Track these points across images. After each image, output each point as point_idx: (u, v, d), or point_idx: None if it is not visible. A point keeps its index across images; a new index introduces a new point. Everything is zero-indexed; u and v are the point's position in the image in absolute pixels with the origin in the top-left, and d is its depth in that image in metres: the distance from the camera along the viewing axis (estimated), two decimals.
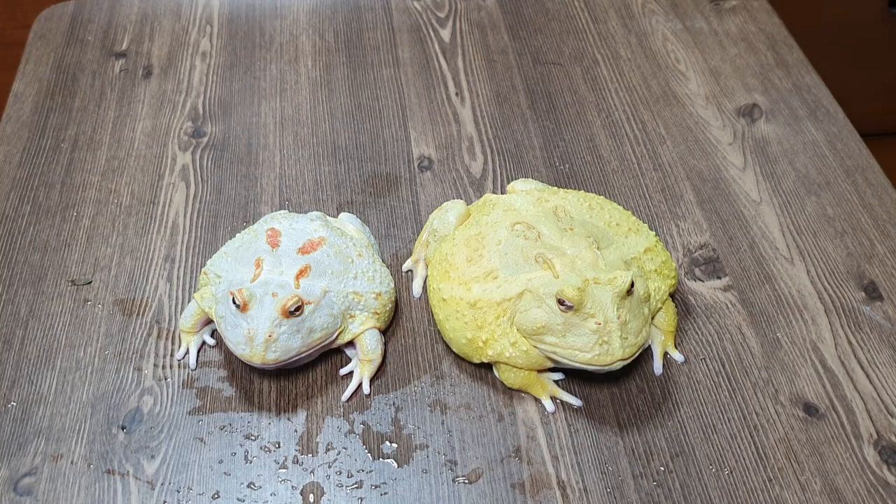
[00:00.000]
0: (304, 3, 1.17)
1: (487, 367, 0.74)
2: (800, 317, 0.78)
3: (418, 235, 0.83)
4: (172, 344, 0.77)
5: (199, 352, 0.76)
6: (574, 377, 0.74)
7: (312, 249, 0.74)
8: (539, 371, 0.72)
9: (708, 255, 0.83)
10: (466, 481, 0.68)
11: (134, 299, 0.81)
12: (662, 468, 0.68)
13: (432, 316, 0.78)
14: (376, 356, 0.74)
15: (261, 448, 0.70)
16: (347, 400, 0.73)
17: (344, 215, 0.84)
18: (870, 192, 0.89)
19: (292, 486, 0.68)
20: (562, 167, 0.93)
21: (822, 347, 0.75)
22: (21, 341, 0.78)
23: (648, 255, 0.75)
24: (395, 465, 0.69)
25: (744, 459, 0.68)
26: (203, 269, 0.78)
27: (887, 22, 1.63)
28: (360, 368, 0.74)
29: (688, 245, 0.84)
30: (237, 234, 0.80)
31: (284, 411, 0.72)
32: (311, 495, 0.67)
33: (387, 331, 0.77)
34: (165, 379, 0.75)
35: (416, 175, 0.93)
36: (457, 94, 1.03)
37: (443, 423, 0.71)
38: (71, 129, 1.00)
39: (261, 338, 0.68)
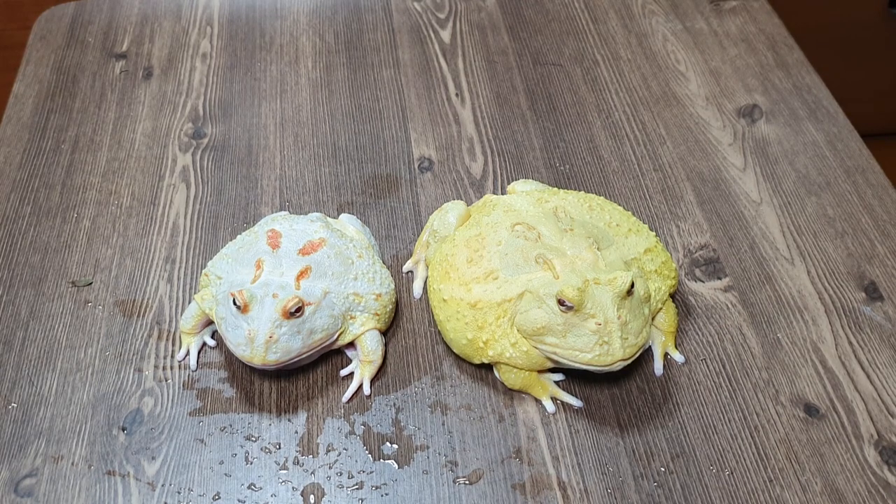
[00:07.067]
0: (304, 5, 1.17)
1: (488, 367, 0.74)
2: (800, 317, 0.78)
3: (418, 236, 0.83)
4: (173, 345, 0.77)
5: (199, 353, 0.76)
6: (574, 378, 0.74)
7: (313, 250, 0.74)
8: (539, 372, 0.72)
9: (708, 255, 0.83)
10: (467, 482, 0.68)
11: (134, 300, 0.81)
12: (663, 469, 0.68)
13: (433, 317, 0.78)
14: (377, 357, 0.74)
15: (261, 449, 0.70)
16: (348, 401, 0.73)
17: (344, 216, 0.84)
18: (870, 192, 0.89)
19: (293, 487, 0.68)
20: (562, 168, 0.93)
21: (822, 348, 0.75)
22: (22, 342, 0.78)
23: (648, 255, 0.75)
24: (396, 465, 0.69)
25: (744, 460, 0.68)
26: (203, 271, 0.78)
27: (887, 22, 1.63)
28: (361, 369, 0.74)
29: (688, 245, 0.84)
30: (238, 236, 0.80)
31: (285, 412, 0.72)
32: (312, 496, 0.67)
33: (387, 332, 0.77)
34: (166, 380, 0.75)
35: (417, 176, 0.93)
36: (457, 94, 1.03)
37: (443, 424, 0.71)
38: (71, 130, 1.00)
39: (261, 339, 0.68)
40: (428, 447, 0.70)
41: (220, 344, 0.77)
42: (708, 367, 0.74)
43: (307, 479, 0.68)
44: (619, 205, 0.85)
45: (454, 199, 0.87)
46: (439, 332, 0.76)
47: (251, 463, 0.69)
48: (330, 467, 0.69)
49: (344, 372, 0.75)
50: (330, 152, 0.96)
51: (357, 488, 0.67)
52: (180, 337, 0.77)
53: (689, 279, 0.81)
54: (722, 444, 0.69)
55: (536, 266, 0.71)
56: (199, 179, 0.93)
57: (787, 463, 0.68)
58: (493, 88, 1.03)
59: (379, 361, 0.74)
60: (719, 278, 0.81)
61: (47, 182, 0.93)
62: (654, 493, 0.66)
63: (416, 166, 0.94)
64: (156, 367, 0.76)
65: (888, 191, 0.89)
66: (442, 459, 0.69)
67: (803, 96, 1.00)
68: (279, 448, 0.70)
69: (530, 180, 0.85)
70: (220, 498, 0.67)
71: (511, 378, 0.72)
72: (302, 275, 0.72)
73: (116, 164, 0.95)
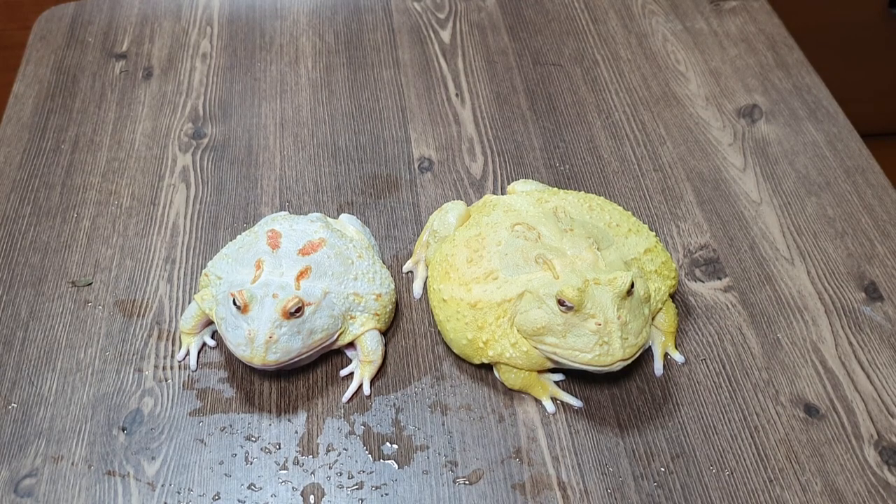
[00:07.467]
0: (304, 5, 1.17)
1: (488, 367, 0.74)
2: (800, 317, 0.78)
3: (418, 236, 0.83)
4: (173, 345, 0.77)
5: (199, 353, 0.76)
6: (574, 378, 0.74)
7: (313, 251, 0.74)
8: (539, 372, 0.72)
9: (708, 255, 0.83)
10: (467, 482, 0.68)
11: (134, 300, 0.81)
12: (663, 469, 0.68)
13: (433, 317, 0.78)
14: (377, 357, 0.74)
15: (261, 449, 0.70)
16: (348, 401, 0.73)
17: (344, 216, 0.84)
18: (870, 192, 0.89)
19: (293, 488, 0.68)
20: (562, 168, 0.93)
21: (822, 348, 0.75)
22: (22, 343, 0.78)
23: (648, 255, 0.75)
24: (396, 466, 0.69)
25: (744, 460, 0.68)
26: (203, 271, 0.78)
27: (887, 22, 1.63)
28: (361, 369, 0.74)
29: (688, 246, 0.84)
30: (238, 236, 0.80)
31: (285, 412, 0.72)
32: (312, 496, 0.67)
33: (387, 332, 0.77)
34: (166, 380, 0.75)
35: (417, 176, 0.93)
36: (457, 95, 1.03)
37: (443, 424, 0.71)
38: (71, 130, 1.00)
39: (261, 339, 0.68)
40: (428, 447, 0.70)
41: (220, 344, 0.77)
42: (708, 367, 0.74)
43: (307, 479, 0.68)
44: (619, 205, 0.85)
45: (454, 199, 0.87)
46: (439, 332, 0.76)
47: (251, 463, 0.69)
48: (330, 467, 0.69)
49: (344, 372, 0.75)
50: (330, 152, 0.96)
51: (357, 488, 0.67)
52: (180, 337, 0.77)
53: (689, 279, 0.81)
54: (722, 444, 0.69)
55: (536, 266, 0.71)
56: (199, 179, 0.93)
57: (787, 463, 0.68)
58: (493, 88, 1.03)
59: (379, 361, 0.74)
60: (719, 278, 0.81)
61: (47, 182, 0.93)
62: (654, 493, 0.66)
63: (416, 166, 0.94)
64: (156, 367, 0.76)
65: (888, 191, 0.89)
66: (442, 459, 0.69)
67: (803, 96, 1.00)
68: (279, 448, 0.70)
69: (530, 180, 0.85)
70: (220, 498, 0.67)
71: (511, 378, 0.72)
72: (302, 275, 0.72)
73: (116, 164, 0.95)
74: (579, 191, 0.87)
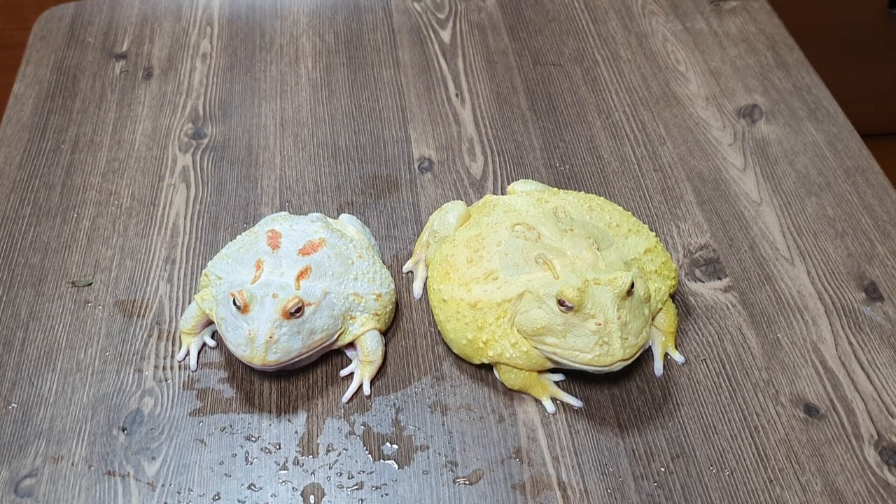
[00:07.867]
0: (304, 5, 1.17)
1: (488, 368, 0.74)
2: (800, 317, 0.78)
3: (418, 236, 0.83)
4: (173, 345, 0.77)
5: (199, 353, 0.76)
6: (574, 378, 0.74)
7: (313, 251, 0.74)
8: (539, 372, 0.72)
9: (708, 255, 0.83)
10: (467, 482, 0.68)
11: (134, 301, 0.81)
12: (663, 469, 0.68)
13: (433, 317, 0.78)
14: (377, 357, 0.74)
15: (261, 449, 0.70)
16: (348, 401, 0.73)
17: (344, 216, 0.84)
18: (870, 192, 0.89)
19: (293, 488, 0.68)
20: (562, 168, 0.93)
21: (822, 348, 0.75)
22: (22, 343, 0.78)
23: (648, 255, 0.75)
24: (396, 466, 0.69)
25: (744, 460, 0.68)
26: (203, 271, 0.78)
27: (887, 22, 1.63)
28: (361, 370, 0.74)
29: (688, 246, 0.84)
30: (238, 236, 0.80)
31: (285, 413, 0.72)
32: (312, 496, 0.67)
33: (387, 332, 0.77)
34: (166, 380, 0.75)
35: (417, 176, 0.93)
36: (457, 95, 1.03)
37: (443, 425, 0.71)
38: (71, 130, 1.00)
39: (261, 339, 0.68)
40: (428, 447, 0.70)
41: (220, 344, 0.77)
42: (708, 367, 0.74)
43: (307, 479, 0.68)
44: (619, 205, 0.85)
45: (454, 200, 0.88)
46: (439, 332, 0.76)
47: (251, 463, 0.69)
48: (330, 467, 0.69)
49: (344, 372, 0.75)
50: (330, 152, 0.96)
51: (357, 488, 0.68)
52: (180, 337, 0.77)
53: (689, 279, 0.81)
54: (722, 444, 0.69)
55: (536, 266, 0.71)
56: (199, 179, 0.93)
57: (787, 463, 0.68)
58: (493, 88, 1.03)
59: (379, 362, 0.74)
60: (719, 278, 0.81)
61: (47, 182, 0.93)
62: (654, 493, 0.66)
63: (416, 166, 0.94)
64: (156, 367, 0.76)
65: (888, 191, 0.89)
66: (442, 459, 0.69)
67: (803, 96, 1.00)
68: (279, 448, 0.70)
69: (530, 180, 0.85)
70: (220, 498, 0.67)
71: (511, 378, 0.72)
72: (302, 275, 0.72)
73: (116, 165, 0.95)
74: (579, 191, 0.87)
